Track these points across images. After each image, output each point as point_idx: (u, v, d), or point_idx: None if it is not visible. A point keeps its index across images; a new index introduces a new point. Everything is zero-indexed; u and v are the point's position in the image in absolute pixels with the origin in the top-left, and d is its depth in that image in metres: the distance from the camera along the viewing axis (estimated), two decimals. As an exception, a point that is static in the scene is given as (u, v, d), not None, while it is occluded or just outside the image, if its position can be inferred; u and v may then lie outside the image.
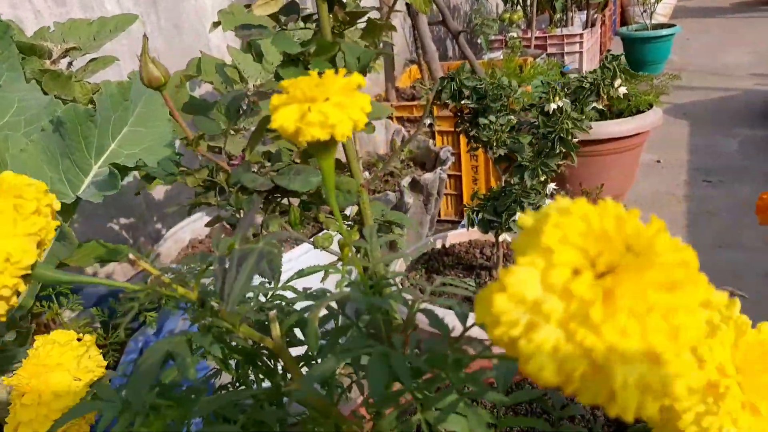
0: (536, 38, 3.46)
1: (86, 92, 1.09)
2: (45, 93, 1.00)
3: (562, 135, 1.03)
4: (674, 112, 3.49)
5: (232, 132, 1.22)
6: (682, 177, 2.60)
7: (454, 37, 2.40)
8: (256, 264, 0.34)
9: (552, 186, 1.13)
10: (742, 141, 2.95)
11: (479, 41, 3.50)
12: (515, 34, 3.14)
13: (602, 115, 2.05)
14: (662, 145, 2.95)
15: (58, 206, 0.37)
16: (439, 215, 2.26)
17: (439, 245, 1.50)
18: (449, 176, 2.24)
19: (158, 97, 0.85)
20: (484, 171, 2.12)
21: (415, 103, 2.27)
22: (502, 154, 1.16)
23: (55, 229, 0.37)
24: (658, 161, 2.80)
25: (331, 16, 0.80)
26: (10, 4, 1.39)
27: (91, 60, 1.16)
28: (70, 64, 1.16)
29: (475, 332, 0.37)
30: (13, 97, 0.88)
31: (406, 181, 1.75)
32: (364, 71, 0.85)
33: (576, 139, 1.09)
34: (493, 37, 3.52)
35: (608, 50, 4.68)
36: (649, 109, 2.06)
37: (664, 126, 3.22)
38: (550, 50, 3.52)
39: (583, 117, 1.12)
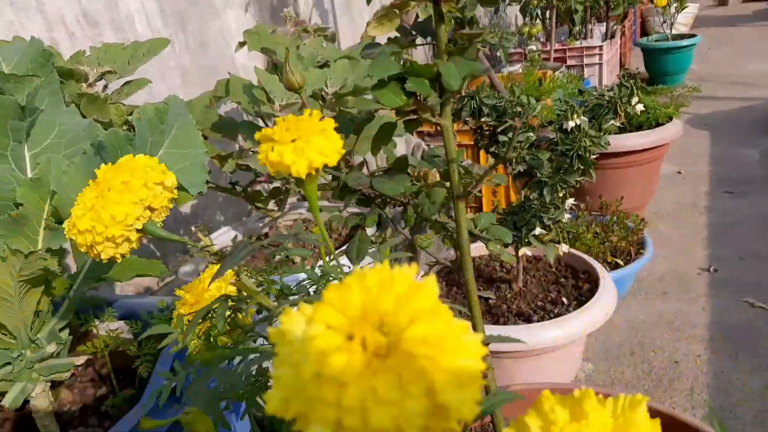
0: (555, 51, 3.48)
1: (121, 114, 1.14)
2: (83, 116, 1.06)
3: (580, 152, 1.06)
4: (695, 123, 3.48)
5: (257, 151, 1.26)
6: (704, 188, 2.60)
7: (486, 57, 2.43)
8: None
9: (571, 201, 1.16)
10: (764, 151, 2.94)
11: (498, 54, 3.53)
12: (534, 47, 3.16)
13: (622, 128, 2.06)
14: (683, 156, 2.95)
15: (172, 183, 0.52)
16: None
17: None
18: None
19: (191, 120, 0.89)
20: (504, 185, 2.14)
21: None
22: (522, 170, 1.18)
23: (170, 201, 0.53)
24: (679, 172, 2.79)
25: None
26: (46, 27, 1.45)
27: (126, 83, 1.22)
28: (105, 87, 1.21)
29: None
30: (55, 120, 0.93)
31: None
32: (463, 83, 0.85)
33: (594, 156, 1.11)
34: (512, 50, 3.54)
35: (625, 67, 4.68)
36: (668, 122, 2.07)
37: (684, 137, 3.21)
38: (569, 62, 3.53)
39: (602, 134, 1.15)
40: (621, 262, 1.69)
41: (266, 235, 1.58)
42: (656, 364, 1.53)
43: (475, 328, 0.91)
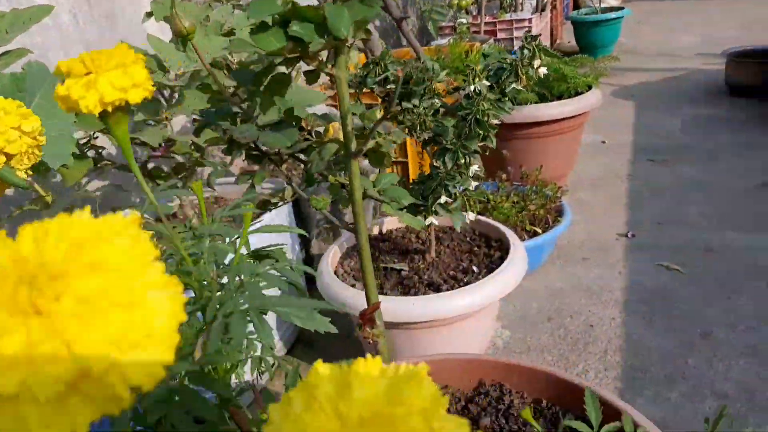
0: (486, 24, 3.47)
1: (-4, 85, 1.06)
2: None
3: (478, 117, 1.04)
4: (621, 94, 3.54)
5: (153, 123, 1.20)
6: (626, 157, 2.65)
7: (397, 24, 2.40)
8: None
9: (475, 168, 1.14)
10: (686, 120, 3.02)
11: (429, 27, 3.50)
12: (465, 20, 3.15)
13: (542, 98, 2.07)
14: (608, 126, 3.00)
15: (33, 128, 0.48)
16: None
17: (376, 231, 1.50)
18: (397, 163, 2.25)
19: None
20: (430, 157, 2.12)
21: (352, 90, 2.26)
22: (427, 137, 1.16)
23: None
24: (603, 142, 2.84)
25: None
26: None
27: (4, 53, 1.13)
28: (-18, 57, 1.12)
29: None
30: None
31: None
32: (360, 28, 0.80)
33: (496, 121, 1.09)
34: (443, 24, 3.52)
35: (556, 41, 4.73)
36: (588, 91, 2.09)
37: (610, 107, 3.27)
38: (499, 36, 3.53)
39: (505, 99, 1.13)
40: (539, 230, 1.70)
41: (174, 215, 1.52)
42: (572, 328, 1.55)
43: (367, 295, 0.89)
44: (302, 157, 1.06)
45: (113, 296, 0.18)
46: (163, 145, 1.18)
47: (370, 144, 0.56)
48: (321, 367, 0.25)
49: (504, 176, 1.84)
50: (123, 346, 0.17)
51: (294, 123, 0.92)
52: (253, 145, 0.99)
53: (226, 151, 0.92)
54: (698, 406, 1.26)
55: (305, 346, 1.60)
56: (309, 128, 1.06)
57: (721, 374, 1.33)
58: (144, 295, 0.19)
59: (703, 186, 2.28)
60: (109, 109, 0.38)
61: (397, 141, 0.93)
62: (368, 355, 0.25)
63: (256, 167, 1.21)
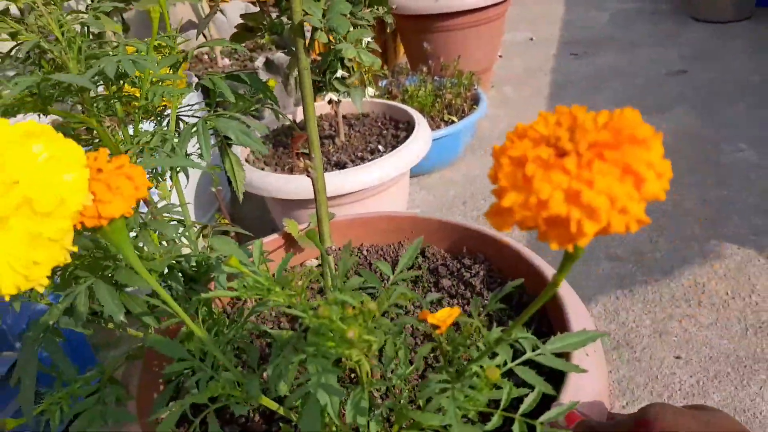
0: None
1: None
2: None
3: (365, -16, 1.03)
4: (553, -9, 3.53)
5: None
6: (552, 51, 2.68)
7: None
8: None
9: (368, 39, 1.14)
10: (614, 13, 3.04)
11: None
12: None
13: (461, -12, 2.05)
14: (537, 23, 3.01)
15: None
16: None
17: (289, 122, 1.50)
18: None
19: None
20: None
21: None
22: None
23: None
24: (531, 39, 2.86)
25: None
26: None
27: None
28: None
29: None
30: None
31: (260, 62, 1.72)
32: None
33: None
34: None
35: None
36: (506, -20, 2.08)
37: (542, 4, 3.27)
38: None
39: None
40: (455, 119, 1.73)
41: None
42: (485, 209, 1.62)
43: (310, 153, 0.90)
44: None
45: None
46: None
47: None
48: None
49: (425, 69, 1.84)
50: None
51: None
52: None
53: None
54: (592, 269, 1.35)
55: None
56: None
57: (616, 240, 1.42)
58: None
59: (620, 73, 2.34)
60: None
61: None
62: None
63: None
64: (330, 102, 1.26)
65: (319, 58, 1.23)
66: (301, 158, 0.66)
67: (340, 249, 0.88)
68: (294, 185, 1.17)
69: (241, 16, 1.10)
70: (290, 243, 0.89)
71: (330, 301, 0.40)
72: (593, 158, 0.25)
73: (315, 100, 1.25)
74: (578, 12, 3.15)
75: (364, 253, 0.88)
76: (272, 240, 0.87)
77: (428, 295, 0.59)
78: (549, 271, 0.69)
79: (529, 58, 2.63)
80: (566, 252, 0.30)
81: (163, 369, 0.48)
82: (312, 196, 1.17)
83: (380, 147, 1.31)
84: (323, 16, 0.53)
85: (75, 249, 0.33)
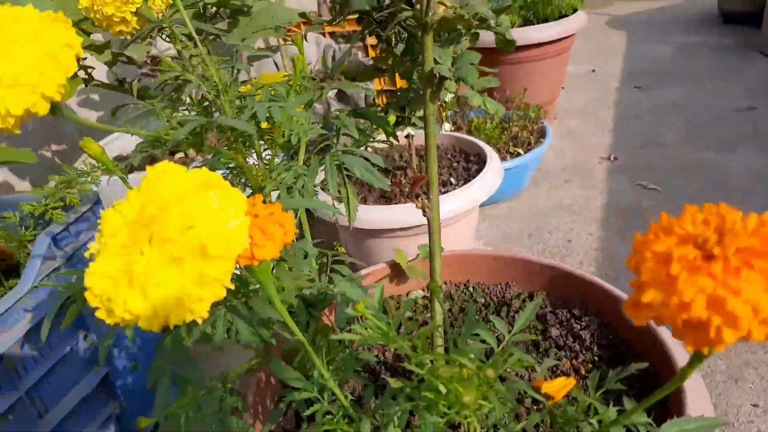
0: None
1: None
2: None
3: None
4: (613, 24, 3.52)
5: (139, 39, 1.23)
6: (615, 84, 2.67)
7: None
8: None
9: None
10: (675, 48, 3.02)
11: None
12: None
13: (527, 22, 2.08)
14: (599, 55, 3.00)
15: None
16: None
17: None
18: (381, 70, 2.27)
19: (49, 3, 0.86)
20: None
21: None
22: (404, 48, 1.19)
23: None
24: (594, 71, 2.85)
25: None
26: None
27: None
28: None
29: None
30: None
31: (332, 93, 1.78)
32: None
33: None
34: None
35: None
36: (572, 14, 2.09)
37: (603, 37, 3.26)
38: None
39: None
40: (521, 151, 1.75)
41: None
42: (551, 243, 1.62)
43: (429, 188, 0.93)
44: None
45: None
46: (148, 61, 1.21)
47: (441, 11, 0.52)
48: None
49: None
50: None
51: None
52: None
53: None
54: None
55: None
56: None
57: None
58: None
59: (685, 109, 2.31)
60: None
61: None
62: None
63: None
64: (407, 136, 1.30)
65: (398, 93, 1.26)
66: (419, 199, 0.69)
67: (445, 283, 0.91)
68: (371, 216, 1.20)
69: (373, 59, 1.15)
70: (396, 272, 0.93)
71: (449, 358, 0.42)
72: (741, 265, 0.25)
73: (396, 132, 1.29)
74: (640, 45, 3.13)
75: (470, 290, 0.91)
76: (379, 268, 0.91)
77: (545, 361, 0.60)
78: (673, 346, 0.66)
79: (592, 90, 2.63)
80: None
81: (278, 383, 0.51)
82: (388, 227, 1.20)
83: (452, 179, 1.34)
84: (452, 64, 0.55)
85: (232, 287, 0.36)
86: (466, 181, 1.32)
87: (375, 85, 2.13)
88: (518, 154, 1.75)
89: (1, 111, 0.33)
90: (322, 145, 0.66)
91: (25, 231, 0.98)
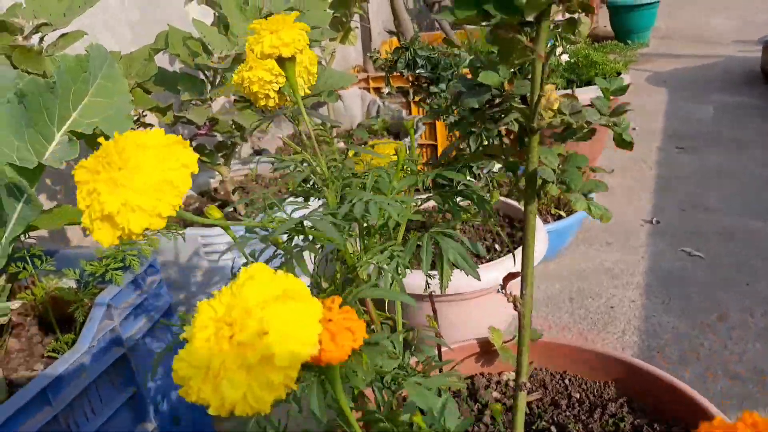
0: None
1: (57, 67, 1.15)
2: (15, 68, 1.07)
3: (502, 101, 1.09)
4: (654, 81, 3.53)
5: (199, 102, 1.28)
6: (655, 144, 2.66)
7: (429, 8, 2.45)
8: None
9: (498, 150, 1.19)
10: (717, 108, 3.01)
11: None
12: (497, 4, 3.16)
13: (571, 84, 2.10)
14: (639, 113, 3.00)
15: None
16: (416, 183, 2.34)
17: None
18: (427, 146, 2.31)
19: (117, 69, 0.91)
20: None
21: (382, 74, 2.33)
22: (453, 121, 1.22)
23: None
24: (634, 128, 2.85)
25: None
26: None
27: (61, 35, 1.22)
28: (41, 39, 1.21)
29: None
30: (-19, 72, 0.94)
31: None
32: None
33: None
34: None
35: (592, 25, 4.68)
36: (616, 77, 2.11)
37: (643, 94, 3.27)
38: (532, 20, 3.54)
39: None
40: (563, 214, 1.75)
41: (215, 190, 1.61)
42: (593, 309, 1.60)
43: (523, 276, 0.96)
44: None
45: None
46: (207, 123, 1.26)
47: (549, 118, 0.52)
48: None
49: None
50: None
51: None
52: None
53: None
54: (710, 386, 1.30)
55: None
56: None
57: (735, 356, 1.37)
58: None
59: (729, 174, 2.29)
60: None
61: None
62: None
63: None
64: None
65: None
66: (510, 293, 0.70)
67: (540, 369, 0.91)
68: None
69: (483, 147, 1.18)
70: (484, 349, 0.94)
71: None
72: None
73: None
74: (680, 104, 3.13)
75: (566, 382, 0.91)
76: (468, 344, 0.92)
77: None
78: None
79: (633, 149, 2.62)
80: None
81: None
82: (418, 293, 1.21)
83: (496, 246, 1.34)
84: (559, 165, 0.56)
85: (296, 387, 0.39)
86: (510, 248, 1.32)
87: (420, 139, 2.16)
88: (560, 217, 1.76)
89: (125, 230, 0.37)
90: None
91: (84, 289, 1.01)
